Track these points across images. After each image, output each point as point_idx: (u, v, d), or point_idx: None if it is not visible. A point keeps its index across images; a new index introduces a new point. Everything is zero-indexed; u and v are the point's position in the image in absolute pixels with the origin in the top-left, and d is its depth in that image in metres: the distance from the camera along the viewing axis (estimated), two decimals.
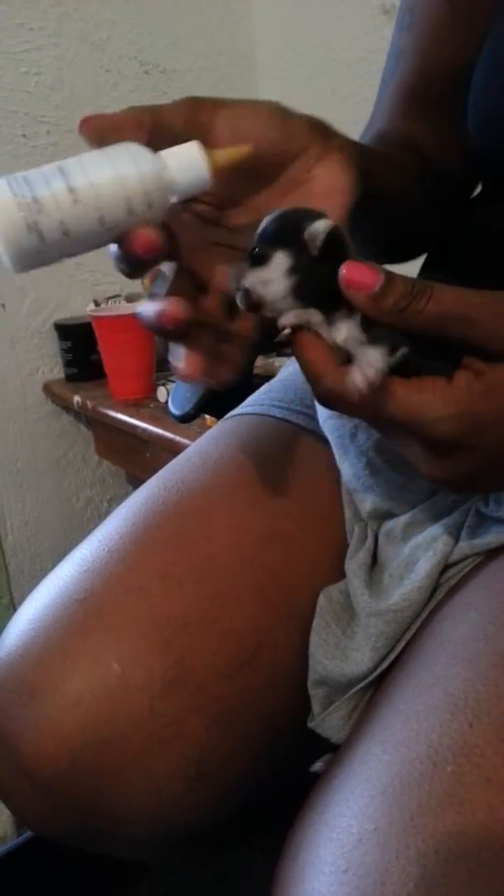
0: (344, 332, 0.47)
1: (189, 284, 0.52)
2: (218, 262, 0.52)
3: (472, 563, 0.61)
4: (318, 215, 0.47)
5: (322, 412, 0.73)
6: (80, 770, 0.58)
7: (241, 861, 0.77)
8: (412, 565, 0.62)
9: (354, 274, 0.45)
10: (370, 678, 0.60)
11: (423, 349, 0.47)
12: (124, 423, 1.43)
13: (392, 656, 0.60)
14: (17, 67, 1.53)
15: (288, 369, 0.83)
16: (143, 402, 1.46)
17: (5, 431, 1.66)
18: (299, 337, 0.48)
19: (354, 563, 0.65)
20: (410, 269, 0.78)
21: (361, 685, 0.60)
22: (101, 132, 0.48)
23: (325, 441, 0.72)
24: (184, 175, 0.47)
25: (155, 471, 0.73)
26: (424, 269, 0.77)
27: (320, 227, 0.46)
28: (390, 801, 0.45)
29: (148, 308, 0.49)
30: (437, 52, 0.73)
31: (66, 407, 1.67)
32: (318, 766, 0.61)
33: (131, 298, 1.62)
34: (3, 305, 1.60)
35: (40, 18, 1.54)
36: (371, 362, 0.45)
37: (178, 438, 1.28)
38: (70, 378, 1.65)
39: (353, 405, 0.47)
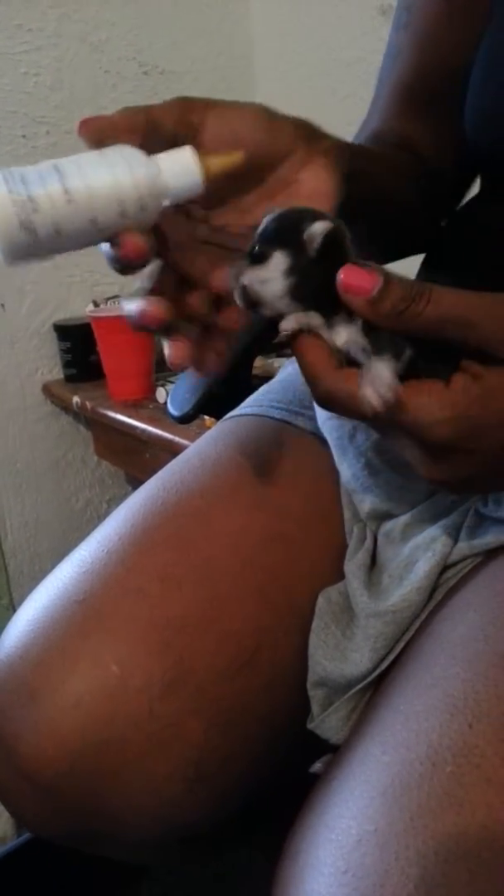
0: (344, 335, 0.47)
1: (173, 280, 0.52)
2: (203, 259, 0.52)
3: (471, 564, 0.61)
4: (318, 216, 0.47)
5: (321, 413, 0.73)
6: (79, 771, 0.58)
7: (240, 861, 0.77)
8: (411, 566, 0.62)
9: (352, 278, 0.45)
10: (369, 679, 0.60)
11: (423, 350, 0.47)
12: (123, 423, 1.43)
13: (391, 657, 0.60)
14: (16, 68, 1.53)
15: (287, 370, 0.83)
16: (143, 403, 1.46)
17: (4, 432, 1.66)
18: (299, 338, 0.48)
19: (353, 564, 0.65)
20: (410, 269, 0.78)
21: (360, 686, 0.60)
22: (98, 134, 0.48)
23: (324, 442, 0.72)
24: (177, 181, 0.48)
25: (154, 471, 0.73)
26: (424, 269, 0.77)
27: (319, 228, 0.46)
28: (390, 801, 0.45)
29: (132, 306, 0.50)
30: (433, 51, 0.73)
31: (66, 408, 1.67)
32: (317, 766, 0.61)
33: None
34: (2, 306, 1.60)
35: (39, 19, 1.54)
36: (383, 379, 0.45)
37: (177, 439, 1.28)
38: (69, 379, 1.65)
39: (351, 407, 0.47)
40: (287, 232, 0.47)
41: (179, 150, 0.48)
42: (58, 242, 0.46)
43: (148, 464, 1.40)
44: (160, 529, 0.65)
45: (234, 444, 0.72)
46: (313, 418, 0.73)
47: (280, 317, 0.49)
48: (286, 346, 0.50)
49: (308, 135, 0.54)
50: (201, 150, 0.49)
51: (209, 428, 0.98)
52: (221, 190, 0.52)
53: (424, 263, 0.78)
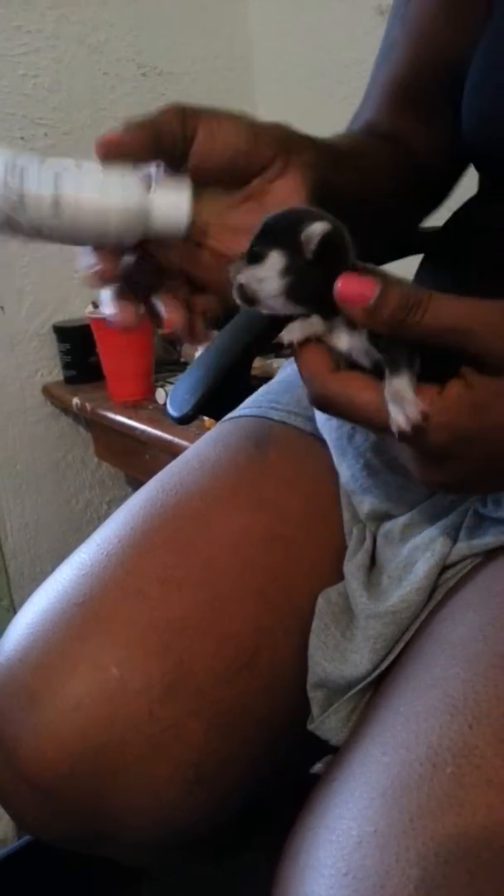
0: (346, 340, 0.47)
1: (152, 272, 0.54)
2: (175, 253, 0.54)
3: (470, 564, 0.61)
4: (317, 217, 0.47)
5: (320, 414, 0.73)
6: (79, 774, 0.57)
7: (240, 863, 0.77)
8: (411, 566, 0.62)
9: (349, 287, 0.45)
10: (369, 679, 0.60)
11: (422, 353, 0.47)
12: (123, 424, 1.43)
13: (391, 658, 0.60)
14: (14, 70, 1.54)
15: (286, 371, 0.83)
16: (142, 404, 1.46)
17: (4, 434, 1.66)
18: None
19: (353, 565, 0.65)
20: (410, 269, 0.78)
21: (360, 686, 0.60)
22: (109, 155, 0.50)
23: (324, 443, 0.72)
24: (163, 222, 0.51)
25: (154, 472, 0.73)
26: (423, 269, 0.77)
27: (316, 230, 0.46)
28: (390, 803, 0.45)
29: (105, 308, 0.54)
30: (427, 46, 0.74)
31: (66, 409, 1.67)
32: (317, 767, 0.61)
33: None
34: (2, 308, 1.60)
35: (38, 21, 1.55)
36: (408, 399, 0.45)
37: (176, 440, 1.28)
38: (69, 380, 1.65)
39: (347, 410, 0.48)
40: (285, 232, 0.47)
41: (178, 191, 0.51)
42: (33, 237, 0.50)
43: (148, 465, 1.40)
44: (159, 531, 0.65)
45: (233, 445, 0.72)
46: (312, 419, 0.73)
47: (276, 316, 0.49)
48: (285, 347, 0.50)
49: (287, 147, 0.56)
50: (195, 159, 0.52)
51: (209, 429, 0.98)
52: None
53: (424, 263, 0.78)
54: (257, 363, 1.27)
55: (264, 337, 0.91)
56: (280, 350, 1.32)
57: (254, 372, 0.98)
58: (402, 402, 0.45)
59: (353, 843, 0.44)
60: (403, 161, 0.73)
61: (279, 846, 0.49)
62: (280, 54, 1.76)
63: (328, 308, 0.47)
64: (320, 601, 0.64)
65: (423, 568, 0.61)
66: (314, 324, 0.48)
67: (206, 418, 1.14)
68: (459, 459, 0.48)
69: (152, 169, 0.51)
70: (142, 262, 0.54)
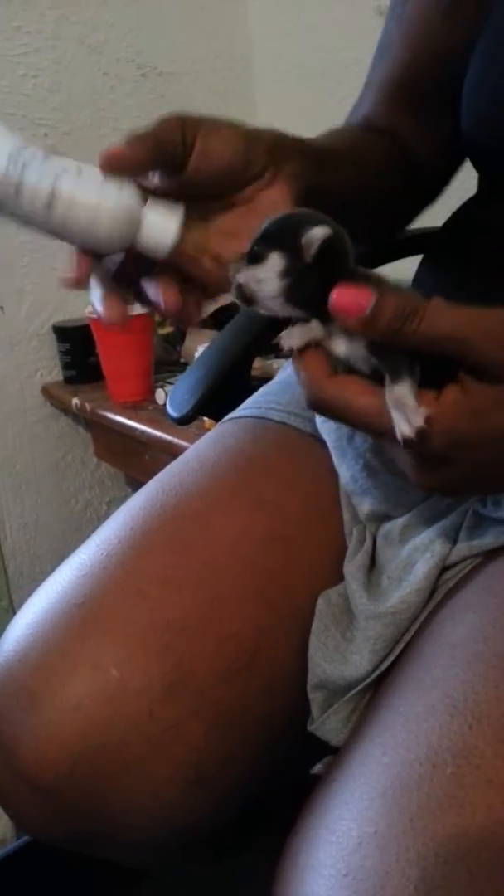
0: (344, 346, 0.47)
1: (143, 265, 0.56)
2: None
3: (470, 565, 0.61)
4: (319, 221, 0.47)
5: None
6: (79, 775, 0.57)
7: (241, 863, 0.77)
8: (410, 567, 0.62)
9: (343, 298, 0.45)
10: (368, 680, 0.60)
11: (421, 358, 0.47)
12: (123, 425, 1.43)
13: (391, 658, 0.60)
14: (14, 70, 1.53)
15: (286, 371, 0.84)
16: (142, 405, 1.46)
17: (4, 434, 1.66)
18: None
19: (353, 566, 0.65)
20: (410, 269, 0.78)
21: (360, 687, 0.60)
22: (112, 170, 0.52)
23: (323, 443, 0.72)
24: (149, 238, 0.53)
25: (154, 473, 0.73)
26: (422, 269, 0.77)
27: (317, 234, 0.46)
28: (390, 803, 0.45)
29: (95, 305, 0.55)
30: (423, 45, 0.74)
31: (65, 409, 1.67)
32: (317, 768, 0.61)
33: (130, 301, 1.62)
34: (1, 308, 1.60)
35: (38, 21, 1.54)
36: (410, 405, 0.46)
37: (176, 441, 1.28)
38: (69, 380, 1.65)
39: (344, 415, 0.48)
40: (286, 234, 0.48)
41: (170, 213, 0.53)
42: (26, 226, 0.52)
43: (147, 465, 1.40)
44: (159, 532, 0.65)
45: (233, 446, 0.72)
46: (312, 420, 0.73)
47: (275, 317, 0.49)
48: (285, 351, 0.50)
49: (276, 159, 0.58)
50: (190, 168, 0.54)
51: (208, 429, 0.98)
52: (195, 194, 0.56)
53: (423, 263, 0.78)
54: (257, 364, 1.26)
55: (264, 337, 0.91)
56: (280, 351, 1.32)
57: (254, 372, 0.98)
58: (404, 409, 0.45)
59: (353, 844, 0.44)
60: (399, 158, 0.74)
61: (279, 846, 0.49)
62: (280, 54, 1.76)
63: (326, 312, 0.47)
64: (320, 602, 0.64)
65: (422, 569, 0.61)
66: (313, 329, 0.48)
67: (205, 419, 1.14)
68: (456, 465, 0.48)
69: (154, 178, 0.54)
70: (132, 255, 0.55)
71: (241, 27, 1.80)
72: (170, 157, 0.54)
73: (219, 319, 1.48)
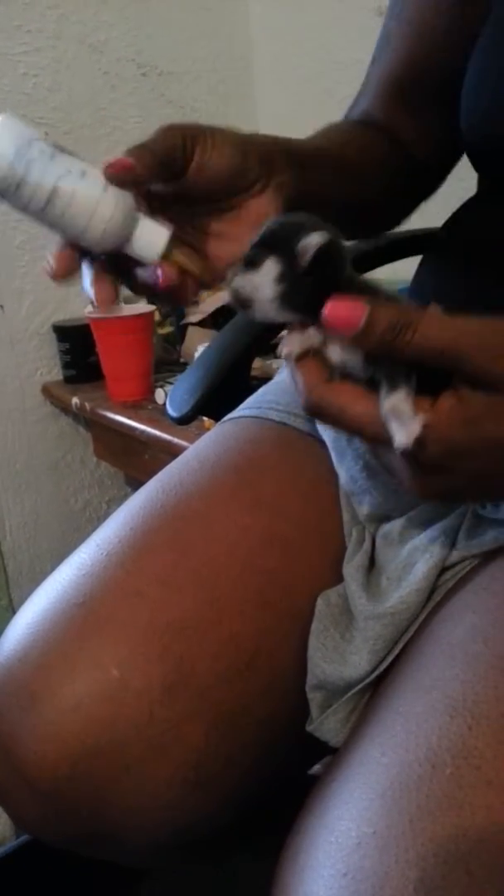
0: (339, 353, 0.48)
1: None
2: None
3: (469, 566, 0.61)
4: (316, 227, 0.48)
5: None
6: (79, 775, 0.57)
7: (240, 863, 0.77)
8: (410, 568, 0.62)
9: (337, 311, 0.45)
10: (368, 680, 0.60)
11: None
12: (123, 424, 1.43)
13: (390, 659, 0.60)
14: (15, 69, 1.53)
15: (285, 371, 0.84)
16: (142, 404, 1.46)
17: (4, 433, 1.66)
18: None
19: (352, 567, 0.65)
20: (409, 268, 0.78)
21: (359, 687, 0.60)
22: (119, 178, 0.54)
23: (323, 444, 0.72)
24: (140, 245, 0.55)
25: (153, 473, 0.73)
26: (422, 269, 0.77)
27: (312, 241, 0.47)
28: (389, 804, 0.45)
29: (86, 289, 0.57)
30: (422, 44, 0.75)
31: (65, 409, 1.67)
32: (316, 769, 0.61)
33: (130, 300, 1.62)
34: (1, 307, 1.60)
35: (38, 20, 1.54)
36: (406, 414, 0.46)
37: (176, 440, 1.28)
38: (68, 380, 1.65)
39: (339, 420, 0.48)
40: (282, 240, 0.48)
41: (159, 231, 0.55)
42: (16, 210, 0.53)
43: (147, 465, 1.40)
44: (159, 532, 0.65)
45: (233, 446, 0.72)
46: (312, 420, 0.73)
47: (271, 322, 0.50)
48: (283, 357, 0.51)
49: (269, 171, 0.60)
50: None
51: (208, 429, 0.98)
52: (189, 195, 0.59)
53: (423, 264, 0.78)
54: (257, 364, 1.27)
55: (264, 337, 0.91)
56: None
57: (253, 372, 0.98)
58: (400, 418, 0.46)
59: (353, 844, 0.44)
60: (397, 155, 0.76)
61: (279, 846, 0.49)
62: (280, 54, 1.76)
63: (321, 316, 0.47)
64: (320, 603, 0.64)
65: (422, 569, 0.61)
66: (312, 336, 0.48)
67: (205, 418, 1.14)
68: (451, 473, 0.48)
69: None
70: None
71: (242, 27, 1.80)
72: (170, 169, 0.56)
73: (218, 320, 1.48)
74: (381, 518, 0.67)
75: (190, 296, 0.60)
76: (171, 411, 0.91)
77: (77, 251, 0.55)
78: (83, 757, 0.57)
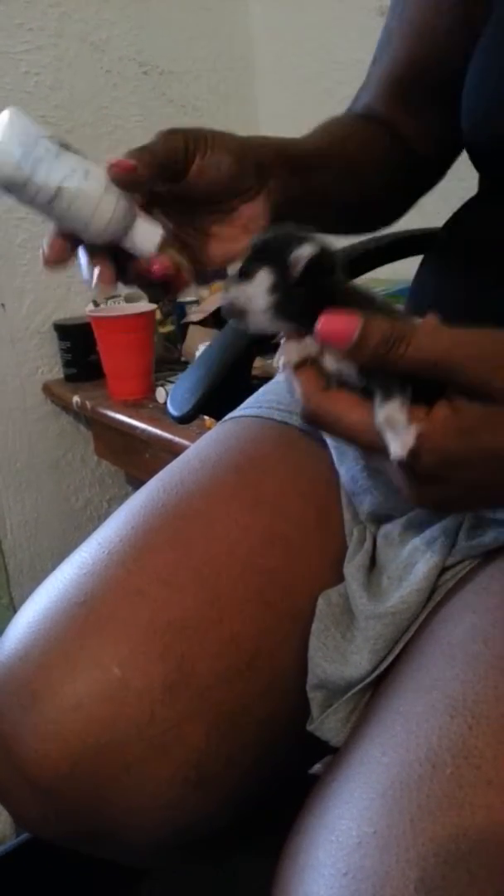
0: (334, 362, 0.48)
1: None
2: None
3: (470, 565, 0.61)
4: (307, 238, 0.49)
5: None
6: (80, 774, 0.58)
7: (240, 863, 0.77)
8: (410, 567, 0.62)
9: (330, 325, 0.46)
10: (368, 680, 0.60)
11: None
12: (123, 423, 1.43)
13: (391, 658, 0.60)
14: (16, 67, 1.53)
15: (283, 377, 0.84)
16: (143, 403, 1.46)
17: (4, 432, 1.66)
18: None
19: (353, 566, 0.65)
20: (410, 268, 0.78)
21: (359, 687, 0.60)
22: (123, 179, 0.55)
23: (324, 443, 0.72)
24: (135, 242, 0.57)
25: (154, 471, 0.73)
26: (423, 269, 0.77)
27: (304, 252, 0.48)
28: (390, 803, 0.45)
29: (83, 274, 0.58)
30: (422, 42, 0.76)
31: (66, 407, 1.67)
32: (316, 768, 0.61)
33: (131, 299, 1.62)
34: (2, 305, 1.60)
35: (40, 19, 1.54)
36: (400, 424, 0.46)
37: (177, 439, 1.28)
38: (69, 378, 1.65)
39: (335, 428, 0.49)
40: (274, 252, 0.49)
41: (154, 229, 0.57)
42: (24, 206, 0.55)
43: (148, 464, 1.40)
44: (161, 531, 0.65)
45: (234, 445, 0.72)
46: None
47: (265, 332, 0.51)
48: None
49: (262, 177, 0.62)
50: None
51: (209, 428, 0.98)
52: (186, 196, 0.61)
53: (424, 264, 0.78)
54: (258, 363, 1.26)
55: (265, 337, 0.91)
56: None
57: (254, 372, 0.98)
58: (395, 428, 0.46)
59: (353, 844, 0.45)
60: (398, 151, 0.77)
61: (279, 846, 0.49)
62: (281, 54, 1.76)
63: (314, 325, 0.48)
64: (321, 602, 0.64)
65: (422, 569, 0.61)
66: (309, 345, 0.49)
67: (206, 418, 1.14)
68: (446, 483, 0.48)
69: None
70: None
71: (242, 27, 1.80)
72: (171, 172, 0.58)
73: (219, 319, 1.48)
74: (381, 518, 0.67)
75: (181, 288, 0.61)
76: (172, 410, 0.91)
77: (71, 239, 0.57)
78: (84, 756, 0.57)
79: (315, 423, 0.50)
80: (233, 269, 0.52)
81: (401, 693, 0.53)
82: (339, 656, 0.61)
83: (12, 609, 1.69)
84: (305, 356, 0.50)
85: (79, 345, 1.60)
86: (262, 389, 0.82)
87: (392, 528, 0.66)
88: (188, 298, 1.67)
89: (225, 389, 0.89)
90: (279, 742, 0.64)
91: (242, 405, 0.79)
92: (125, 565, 0.63)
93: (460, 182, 0.79)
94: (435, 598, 0.61)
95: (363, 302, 0.49)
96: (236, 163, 0.60)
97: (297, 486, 0.70)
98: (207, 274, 0.64)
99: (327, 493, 0.70)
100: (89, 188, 0.54)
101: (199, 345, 1.36)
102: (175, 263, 0.59)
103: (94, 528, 0.69)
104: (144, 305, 1.49)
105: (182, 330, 1.59)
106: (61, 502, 1.77)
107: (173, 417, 0.91)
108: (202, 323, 1.53)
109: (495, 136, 0.66)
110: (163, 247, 0.58)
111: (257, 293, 0.49)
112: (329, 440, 0.71)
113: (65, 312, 1.66)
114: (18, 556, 1.73)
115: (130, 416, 1.42)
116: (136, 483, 1.61)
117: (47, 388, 1.67)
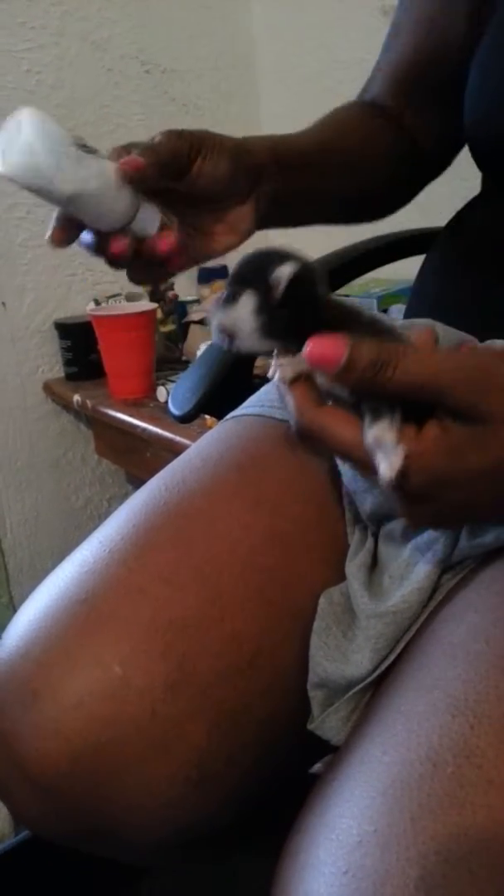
0: (324, 381, 0.49)
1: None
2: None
3: (471, 565, 0.61)
4: (286, 258, 0.50)
5: None
6: (80, 772, 0.58)
7: (241, 861, 0.77)
8: (412, 566, 0.62)
9: (318, 350, 0.46)
10: (369, 679, 0.60)
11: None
12: (124, 422, 1.43)
13: (391, 657, 0.60)
14: (18, 66, 1.53)
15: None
16: (143, 402, 1.46)
17: (5, 430, 1.66)
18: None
19: (354, 565, 0.65)
20: (411, 268, 0.78)
21: (360, 686, 0.60)
22: (132, 177, 0.58)
23: None
24: (140, 227, 0.61)
25: (155, 471, 0.73)
26: (425, 269, 0.77)
27: (284, 272, 0.49)
28: (390, 802, 0.45)
29: (87, 246, 0.61)
30: (427, 37, 0.78)
31: (66, 406, 1.67)
32: (317, 767, 0.61)
33: (132, 298, 1.62)
34: (3, 304, 1.60)
35: (42, 17, 1.55)
36: (391, 447, 0.46)
37: (177, 438, 1.28)
38: (70, 377, 1.65)
39: (327, 444, 0.50)
40: (254, 274, 0.50)
41: (155, 213, 0.62)
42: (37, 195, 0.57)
43: (149, 463, 1.40)
44: (162, 530, 0.65)
45: (235, 444, 0.72)
46: None
47: (256, 352, 0.53)
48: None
49: (255, 181, 0.65)
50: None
51: (210, 427, 0.98)
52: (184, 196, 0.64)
53: (426, 263, 0.78)
54: (259, 362, 1.26)
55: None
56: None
57: (256, 371, 0.98)
58: (383, 448, 0.47)
59: (354, 842, 0.45)
60: (402, 142, 0.79)
61: (279, 846, 0.49)
62: (282, 53, 1.76)
63: (304, 342, 0.48)
64: (322, 601, 0.64)
65: (424, 568, 0.61)
66: (302, 361, 0.49)
67: (207, 417, 1.15)
68: (436, 502, 0.49)
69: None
70: None
71: (244, 26, 1.80)
72: (174, 172, 0.61)
73: None
74: (383, 517, 0.67)
75: (182, 266, 0.65)
76: (173, 409, 0.91)
77: (77, 221, 0.60)
78: (84, 754, 0.57)
79: (308, 438, 0.51)
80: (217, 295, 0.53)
81: (402, 692, 0.53)
82: (340, 655, 0.61)
83: (12, 608, 1.69)
84: (300, 371, 0.50)
85: (79, 343, 1.60)
86: (263, 388, 0.82)
87: (393, 528, 0.66)
88: (189, 298, 1.67)
89: (226, 388, 0.89)
90: (280, 741, 0.64)
91: (244, 404, 0.79)
92: (126, 563, 0.63)
93: (463, 182, 0.79)
94: (436, 598, 0.61)
95: (349, 317, 0.50)
96: (231, 166, 0.63)
97: (298, 484, 0.70)
98: (200, 257, 0.68)
99: (329, 492, 0.70)
100: (105, 189, 0.58)
101: (201, 344, 1.36)
102: (177, 240, 0.62)
103: (95, 528, 0.69)
104: (145, 304, 1.49)
105: (183, 329, 1.59)
106: (62, 501, 1.77)
107: (174, 416, 0.91)
108: (203, 322, 1.53)
109: (496, 135, 0.67)
110: (163, 227, 0.62)
111: (243, 316, 0.50)
112: None
113: (65, 311, 1.66)
114: (18, 554, 1.73)
115: (131, 416, 1.42)
116: (137, 482, 1.61)
117: (48, 387, 1.67)
